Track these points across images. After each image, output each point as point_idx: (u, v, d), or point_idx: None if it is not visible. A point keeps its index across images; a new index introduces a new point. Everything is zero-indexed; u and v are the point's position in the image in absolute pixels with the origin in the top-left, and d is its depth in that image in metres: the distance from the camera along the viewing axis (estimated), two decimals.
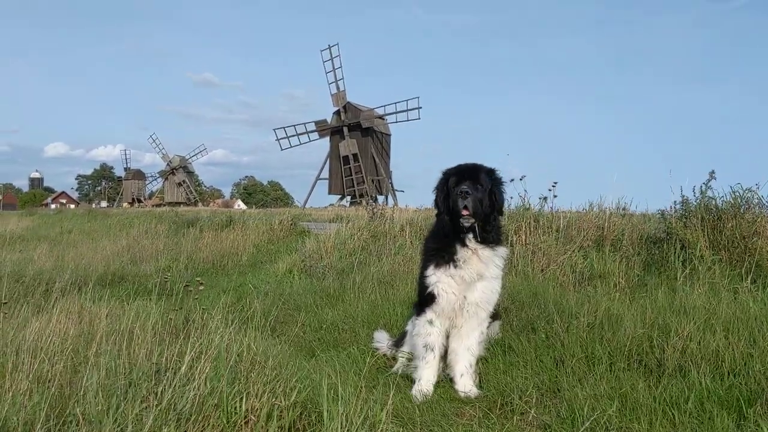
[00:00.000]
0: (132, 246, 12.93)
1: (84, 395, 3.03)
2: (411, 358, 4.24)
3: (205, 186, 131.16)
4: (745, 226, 5.72)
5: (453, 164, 3.92)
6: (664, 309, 4.45)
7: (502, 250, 3.92)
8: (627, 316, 4.37)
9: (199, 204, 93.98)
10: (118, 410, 2.74)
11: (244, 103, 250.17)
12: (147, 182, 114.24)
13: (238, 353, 3.44)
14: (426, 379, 3.88)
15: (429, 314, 3.95)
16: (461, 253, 3.79)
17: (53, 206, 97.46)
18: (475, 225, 3.72)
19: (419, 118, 60.32)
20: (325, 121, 64.59)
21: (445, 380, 4.05)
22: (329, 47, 61.24)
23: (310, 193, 67.69)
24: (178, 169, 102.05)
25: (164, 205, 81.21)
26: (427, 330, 3.95)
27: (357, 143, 62.30)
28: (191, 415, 2.76)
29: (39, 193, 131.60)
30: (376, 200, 60.93)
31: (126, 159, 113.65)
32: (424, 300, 3.97)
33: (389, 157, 68.19)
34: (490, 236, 3.79)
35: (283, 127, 63.97)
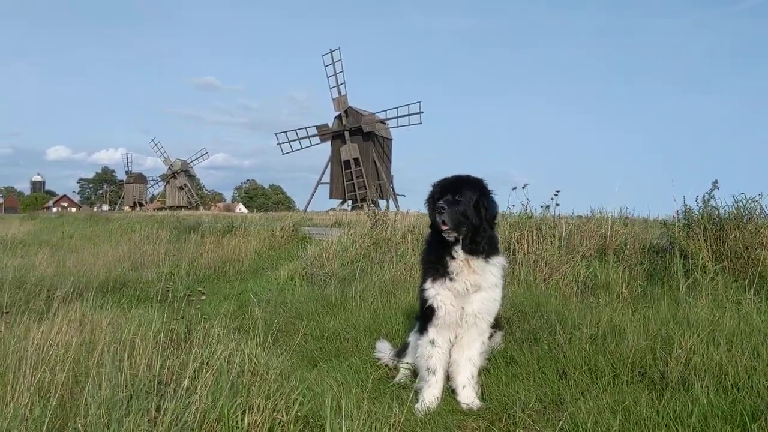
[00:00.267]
0: (133, 252, 12.94)
1: (85, 408, 3.02)
2: (413, 369, 4.24)
3: (206, 190, 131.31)
4: (748, 236, 5.71)
5: (443, 175, 3.95)
6: (667, 321, 4.43)
7: (498, 260, 3.90)
8: (630, 327, 4.35)
9: (201, 208, 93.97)
10: (120, 425, 2.74)
11: (245, 106, 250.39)
12: (148, 186, 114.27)
13: (240, 366, 3.43)
14: (429, 399, 3.88)
15: (431, 333, 3.95)
16: (452, 265, 3.81)
17: (55, 210, 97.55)
18: (459, 237, 3.73)
19: (421, 123, 60.43)
20: (326, 125, 64.68)
21: (448, 391, 4.03)
22: (330, 52, 61.38)
23: (311, 198, 67.78)
24: (180, 173, 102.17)
25: (166, 209, 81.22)
26: (429, 352, 3.95)
27: (358, 147, 62.36)
28: (193, 430, 2.75)
29: (41, 196, 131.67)
30: (377, 205, 60.99)
31: (128, 162, 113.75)
32: (425, 313, 3.99)
33: (390, 162, 68.26)
34: (480, 247, 3.78)
35: (285, 132, 64.18)
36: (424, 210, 4.14)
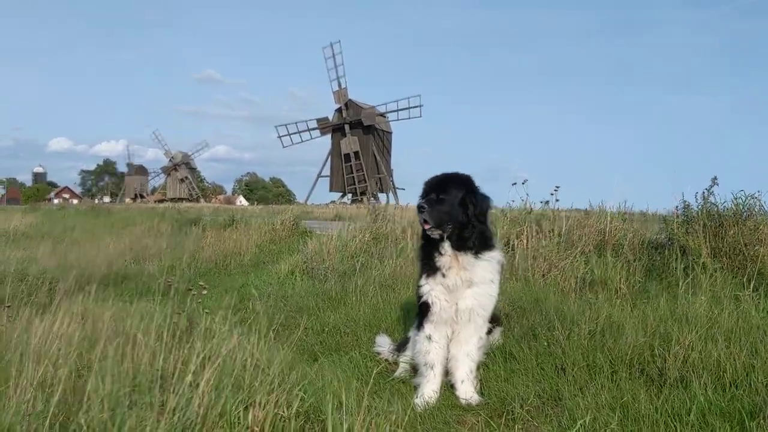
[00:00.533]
0: (135, 245, 12.97)
1: (88, 403, 3.05)
2: (412, 363, 4.28)
3: (207, 182, 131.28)
4: (747, 233, 5.73)
5: (440, 170, 4.02)
6: (665, 317, 4.45)
7: (491, 255, 3.93)
8: (628, 323, 4.37)
9: (202, 200, 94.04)
10: (124, 420, 2.76)
11: (246, 100, 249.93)
12: (149, 178, 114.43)
13: (242, 361, 3.45)
14: (428, 394, 3.92)
15: (427, 328, 4.00)
16: (441, 261, 3.87)
17: (56, 201, 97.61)
18: (444, 235, 3.79)
19: (421, 116, 60.52)
20: (326, 118, 64.64)
21: (447, 386, 4.06)
22: (331, 44, 61.31)
23: (311, 191, 67.80)
24: (181, 165, 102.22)
25: (166, 201, 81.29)
26: (426, 347, 3.99)
27: (358, 141, 62.32)
28: (195, 426, 2.77)
29: (42, 187, 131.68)
30: (377, 198, 61.00)
31: (129, 155, 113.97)
32: (421, 309, 4.05)
33: (390, 155, 68.29)
34: (469, 243, 3.82)
35: (285, 125, 64.14)
36: None
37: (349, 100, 62.98)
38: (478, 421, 3.58)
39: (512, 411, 3.57)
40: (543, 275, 6.22)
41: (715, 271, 5.28)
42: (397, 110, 61.33)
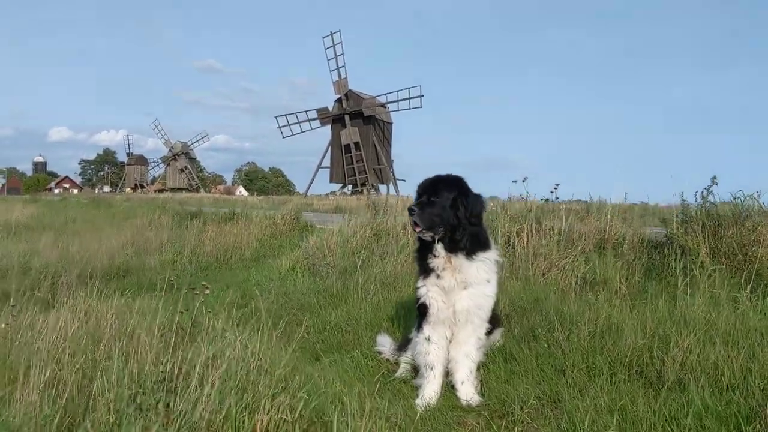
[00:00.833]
0: (136, 238, 13.02)
1: (94, 403, 3.09)
2: (413, 364, 4.32)
3: (207, 172, 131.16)
4: (745, 233, 5.75)
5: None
6: (664, 319, 4.48)
7: (485, 255, 3.95)
8: (628, 325, 4.40)
9: (201, 190, 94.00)
10: (129, 424, 2.80)
11: (246, 89, 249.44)
12: (149, 168, 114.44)
13: (246, 364, 3.49)
14: (428, 395, 3.95)
15: (426, 330, 4.04)
16: (435, 263, 3.91)
17: (57, 191, 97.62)
18: (436, 237, 3.84)
19: (421, 106, 60.32)
20: (326, 108, 64.46)
21: (447, 387, 4.10)
22: (331, 34, 61.06)
23: (311, 182, 67.77)
24: (180, 155, 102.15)
25: (166, 191, 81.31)
26: (426, 348, 4.03)
27: (358, 131, 62.19)
28: (200, 430, 2.82)
29: (42, 177, 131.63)
30: (377, 189, 61.00)
31: (129, 144, 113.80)
32: (419, 311, 4.10)
33: (391, 146, 68.15)
34: (461, 245, 3.85)
35: (285, 115, 64.01)
36: None
37: (350, 90, 62.79)
38: (478, 423, 3.61)
39: (512, 413, 3.60)
40: (543, 274, 6.25)
41: (714, 271, 5.31)
42: (398, 100, 61.19)
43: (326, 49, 61.63)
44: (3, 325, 4.63)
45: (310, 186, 67.79)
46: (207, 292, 4.89)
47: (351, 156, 62.33)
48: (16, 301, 5.28)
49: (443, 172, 4.06)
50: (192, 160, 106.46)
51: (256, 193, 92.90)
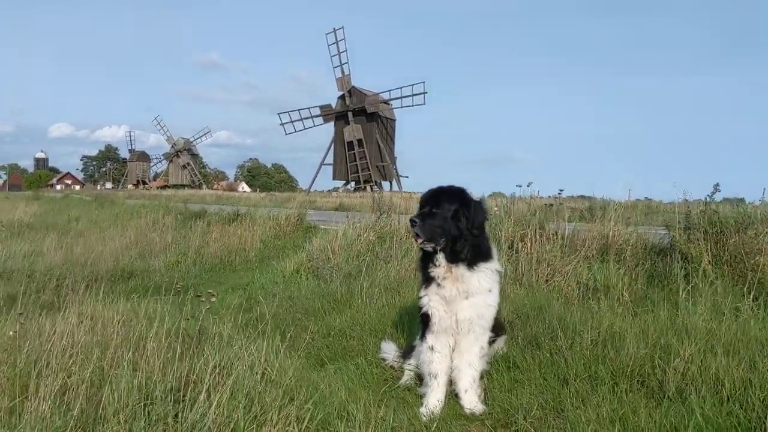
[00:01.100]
0: (140, 239, 13.07)
1: (104, 413, 3.14)
2: (417, 372, 4.36)
3: (209, 168, 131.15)
4: (747, 241, 5.77)
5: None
6: (666, 328, 4.50)
7: (487, 266, 3.99)
8: (630, 333, 4.42)
9: (204, 187, 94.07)
10: None
11: (248, 84, 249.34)
12: (152, 164, 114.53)
13: (254, 373, 3.54)
14: (432, 404, 3.99)
15: (429, 339, 4.08)
16: (436, 273, 3.96)
17: (59, 187, 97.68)
18: (437, 247, 3.89)
19: (424, 103, 60.27)
20: (329, 105, 64.44)
21: (452, 395, 4.13)
22: (334, 30, 61.02)
23: (314, 179, 67.79)
24: (183, 152, 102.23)
25: (169, 188, 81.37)
26: (429, 357, 4.07)
27: (362, 128, 62.18)
28: None
29: (44, 173, 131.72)
30: (380, 186, 61.00)
31: (131, 140, 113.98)
32: (422, 320, 4.14)
33: (394, 143, 68.09)
34: (462, 255, 3.90)
35: (288, 112, 64.02)
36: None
37: (353, 87, 62.77)
38: None
39: (516, 422, 3.64)
40: (546, 281, 6.28)
41: (716, 279, 5.33)
42: (401, 97, 61.13)
43: (329, 45, 61.70)
44: (11, 333, 4.67)
45: (312, 183, 67.87)
46: (213, 300, 4.93)
47: (354, 153, 62.35)
48: (22, 305, 5.33)
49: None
50: (194, 156, 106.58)
51: (258, 189, 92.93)
